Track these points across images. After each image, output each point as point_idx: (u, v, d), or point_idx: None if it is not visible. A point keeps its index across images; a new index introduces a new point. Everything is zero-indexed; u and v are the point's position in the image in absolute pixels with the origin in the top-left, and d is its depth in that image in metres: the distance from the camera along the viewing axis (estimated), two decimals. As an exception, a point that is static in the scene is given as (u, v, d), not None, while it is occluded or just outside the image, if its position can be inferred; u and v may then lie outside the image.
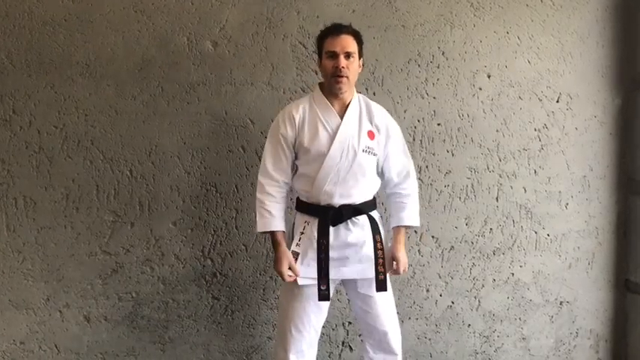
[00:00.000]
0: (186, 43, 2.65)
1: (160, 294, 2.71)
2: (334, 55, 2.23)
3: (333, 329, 2.85)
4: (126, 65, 2.61)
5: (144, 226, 2.67)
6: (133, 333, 2.71)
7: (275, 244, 2.30)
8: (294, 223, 2.36)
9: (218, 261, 2.74)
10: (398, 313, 2.90)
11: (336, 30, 2.26)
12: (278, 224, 2.28)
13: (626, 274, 3.14)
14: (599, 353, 3.17)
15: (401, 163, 2.42)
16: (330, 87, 2.28)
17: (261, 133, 2.70)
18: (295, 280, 2.26)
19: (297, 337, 2.31)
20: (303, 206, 2.34)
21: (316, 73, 2.71)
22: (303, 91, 2.72)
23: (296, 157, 2.32)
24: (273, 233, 2.29)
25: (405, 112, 2.86)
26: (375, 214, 2.38)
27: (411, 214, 2.43)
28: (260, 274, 2.78)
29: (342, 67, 2.21)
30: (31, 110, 2.56)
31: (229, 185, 2.72)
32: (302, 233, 2.30)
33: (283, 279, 2.27)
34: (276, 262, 2.29)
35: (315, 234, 2.26)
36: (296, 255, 2.28)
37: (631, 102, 3.10)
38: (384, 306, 2.39)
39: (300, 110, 2.31)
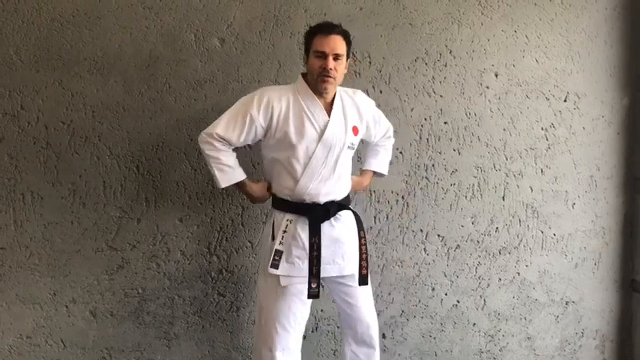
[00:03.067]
0: (194, 40, 2.65)
1: (165, 290, 2.71)
2: (323, 56, 2.19)
3: (337, 327, 2.85)
4: (133, 62, 2.62)
5: (150, 222, 2.68)
6: (138, 329, 2.72)
7: (245, 187, 2.36)
8: (273, 222, 2.32)
9: (224, 257, 2.75)
10: (403, 311, 2.92)
11: (326, 29, 2.23)
12: (241, 174, 2.33)
13: (632, 274, 3.14)
14: (605, 353, 3.16)
15: (385, 128, 2.56)
16: (315, 86, 2.25)
17: (268, 130, 2.71)
18: (278, 279, 2.24)
19: (284, 334, 2.28)
20: (283, 204, 2.30)
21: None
22: (310, 88, 2.72)
23: (269, 149, 2.31)
24: (240, 182, 2.33)
25: (411, 110, 2.86)
26: (355, 209, 2.44)
27: (381, 162, 2.59)
28: (265, 271, 2.78)
29: (331, 69, 2.19)
30: (38, 106, 2.57)
31: (235, 182, 2.73)
32: (284, 232, 2.26)
33: (262, 199, 2.39)
34: (256, 193, 2.38)
35: (299, 232, 2.25)
36: (279, 254, 2.25)
37: (639, 102, 3.08)
38: (366, 297, 2.42)
39: (283, 102, 2.25)
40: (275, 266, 2.24)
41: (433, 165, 2.89)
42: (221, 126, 2.25)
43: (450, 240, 2.94)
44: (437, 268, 2.94)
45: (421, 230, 2.89)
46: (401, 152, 2.86)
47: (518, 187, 2.99)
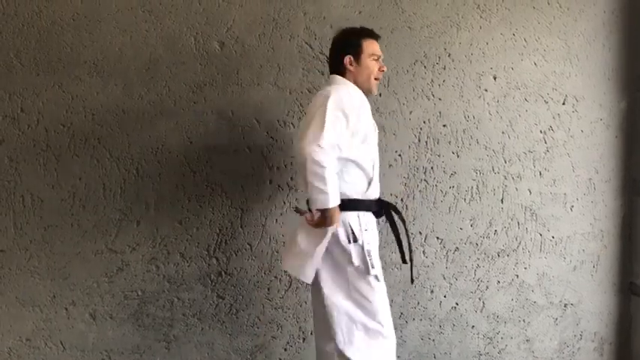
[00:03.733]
0: (194, 44, 2.66)
1: (165, 292, 2.72)
2: (378, 59, 2.33)
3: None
4: (133, 65, 2.62)
5: (150, 225, 2.68)
6: (138, 331, 2.72)
7: (336, 212, 2.11)
8: (349, 224, 2.20)
9: (223, 260, 2.75)
10: (402, 314, 2.92)
11: (372, 34, 2.35)
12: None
13: (631, 277, 3.14)
14: (603, 356, 3.16)
15: None
16: (370, 87, 2.34)
17: (267, 133, 2.71)
18: (376, 278, 2.24)
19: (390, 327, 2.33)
20: (357, 204, 2.25)
21: (322, 74, 2.71)
22: (310, 91, 2.73)
23: (343, 150, 2.18)
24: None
25: (410, 113, 2.86)
26: None
27: None
28: (265, 274, 2.79)
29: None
30: (38, 109, 2.58)
31: (235, 185, 2.73)
32: (366, 230, 2.25)
33: (333, 223, 2.12)
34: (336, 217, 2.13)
35: (374, 228, 2.32)
36: (370, 253, 2.23)
37: (637, 105, 3.09)
38: None
39: (356, 102, 2.21)
40: (373, 265, 2.23)
41: (432, 168, 2.90)
42: (331, 132, 2.08)
43: (448, 242, 2.95)
44: (436, 271, 2.95)
45: (420, 233, 2.90)
46: (400, 155, 2.86)
47: (516, 189, 2.99)
